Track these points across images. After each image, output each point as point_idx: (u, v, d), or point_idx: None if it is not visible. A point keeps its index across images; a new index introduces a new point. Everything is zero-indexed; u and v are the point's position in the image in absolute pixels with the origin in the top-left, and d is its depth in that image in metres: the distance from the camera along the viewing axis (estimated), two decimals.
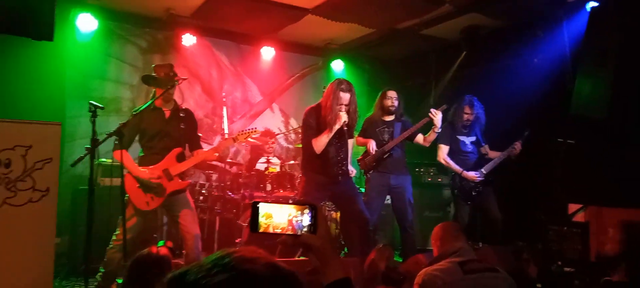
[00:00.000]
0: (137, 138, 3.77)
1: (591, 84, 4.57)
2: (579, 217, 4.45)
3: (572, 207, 4.52)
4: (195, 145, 3.87)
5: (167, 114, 3.75)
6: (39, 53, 5.02)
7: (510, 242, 4.47)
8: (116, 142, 3.40)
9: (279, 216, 1.16)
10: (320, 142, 3.90)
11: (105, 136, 3.19)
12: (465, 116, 4.83)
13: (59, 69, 5.56)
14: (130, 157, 3.60)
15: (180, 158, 3.73)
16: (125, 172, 3.48)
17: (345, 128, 3.94)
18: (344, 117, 3.86)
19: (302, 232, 1.16)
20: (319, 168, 3.99)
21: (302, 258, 3.51)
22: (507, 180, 5.01)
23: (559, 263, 4.07)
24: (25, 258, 2.74)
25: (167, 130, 3.69)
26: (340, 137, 4.01)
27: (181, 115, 3.80)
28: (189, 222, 3.63)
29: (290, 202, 1.20)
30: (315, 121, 3.99)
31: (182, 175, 3.72)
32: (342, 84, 3.91)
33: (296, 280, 0.85)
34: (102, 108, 3.20)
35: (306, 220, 1.17)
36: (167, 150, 3.66)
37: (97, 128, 3.16)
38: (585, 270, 3.89)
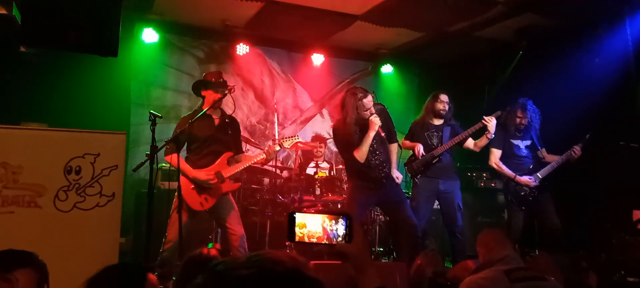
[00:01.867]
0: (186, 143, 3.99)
1: None
2: None
3: (637, 214, 4.25)
4: (238, 150, 4.06)
5: (217, 120, 3.95)
6: (105, 66, 5.41)
7: (570, 250, 4.28)
8: (168, 147, 3.61)
9: (315, 226, 1.21)
10: (362, 152, 3.91)
11: (164, 143, 3.40)
12: (518, 119, 4.67)
13: (124, 80, 5.99)
14: (183, 160, 3.82)
15: (231, 162, 3.92)
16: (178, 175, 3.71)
17: (381, 132, 3.94)
18: (377, 121, 3.86)
19: (338, 241, 1.20)
20: (362, 175, 4.02)
21: (335, 262, 3.55)
22: (567, 186, 4.80)
23: (622, 272, 3.85)
24: (92, 258, 2.91)
25: (217, 136, 3.89)
26: (376, 140, 4.01)
27: (227, 121, 4.00)
28: (235, 224, 3.83)
29: (326, 211, 1.25)
30: (342, 135, 3.99)
31: (232, 177, 3.90)
32: (359, 93, 3.89)
33: (318, 285, 0.89)
34: (160, 117, 3.42)
35: (341, 229, 1.21)
36: (215, 154, 3.85)
37: (157, 135, 3.40)
38: None
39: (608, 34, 4.86)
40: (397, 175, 4.25)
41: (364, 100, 3.87)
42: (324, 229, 1.20)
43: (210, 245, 2.23)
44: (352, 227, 1.20)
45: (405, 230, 4.06)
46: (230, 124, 4.02)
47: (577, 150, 4.48)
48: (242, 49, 6.40)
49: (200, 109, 3.93)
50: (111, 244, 3.01)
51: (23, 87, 5.22)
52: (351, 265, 1.20)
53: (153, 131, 3.36)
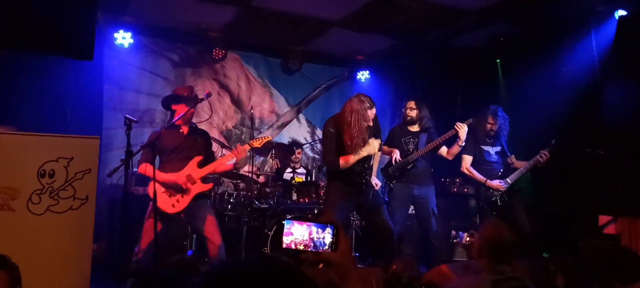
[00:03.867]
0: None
1: (621, 92, 4.49)
2: (610, 229, 4.35)
3: (603, 219, 4.42)
4: (209, 157, 4.06)
5: (185, 130, 3.96)
6: (78, 69, 5.30)
7: (539, 254, 4.41)
8: (140, 158, 3.58)
9: (302, 234, 1.24)
10: (347, 162, 3.89)
11: (139, 148, 3.37)
12: (488, 126, 4.81)
13: (96, 83, 5.86)
14: (152, 167, 3.81)
15: (201, 165, 3.93)
16: (149, 180, 3.71)
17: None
18: (376, 145, 3.87)
19: (324, 249, 1.24)
20: (344, 177, 4.04)
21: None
22: (536, 190, 4.95)
23: None
24: (66, 262, 2.95)
25: (186, 143, 3.91)
26: None
27: (197, 130, 4.05)
28: (212, 233, 3.80)
29: (313, 220, 1.28)
30: (334, 131, 3.98)
31: (204, 179, 3.92)
32: (366, 102, 3.88)
33: (312, 284, 0.91)
34: (136, 121, 3.38)
35: (328, 238, 1.25)
36: (186, 159, 3.86)
37: (132, 139, 3.36)
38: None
39: (574, 44, 5.06)
40: (376, 182, 4.30)
41: (368, 112, 3.86)
42: (311, 238, 1.24)
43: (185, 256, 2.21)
44: (338, 236, 1.24)
45: (382, 234, 4.10)
46: (200, 133, 4.06)
47: (544, 155, 4.62)
48: (218, 53, 6.36)
49: (171, 121, 3.96)
50: (85, 247, 3.01)
51: None
52: (335, 273, 1.23)
53: (128, 136, 3.32)
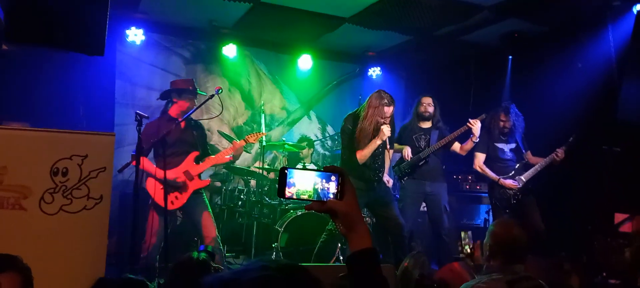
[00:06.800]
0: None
1: (639, 89, 4.39)
2: (626, 227, 4.27)
3: (619, 217, 4.34)
4: (205, 152, 4.13)
5: (183, 124, 3.97)
6: (89, 65, 5.33)
7: (553, 253, 4.34)
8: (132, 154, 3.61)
9: (306, 183, 1.18)
10: (363, 155, 3.96)
11: (151, 143, 3.37)
12: (501, 123, 4.74)
13: (108, 79, 5.89)
14: (150, 162, 3.84)
15: (198, 160, 3.98)
16: (147, 176, 3.74)
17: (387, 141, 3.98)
18: (387, 132, 3.90)
19: (329, 199, 1.18)
20: (358, 173, 4.04)
21: (337, 264, 3.56)
22: (551, 188, 4.87)
23: (604, 274, 3.92)
24: (79, 262, 2.86)
25: (183, 138, 3.95)
26: (380, 146, 4.06)
27: (193, 124, 4.08)
28: (208, 227, 3.88)
29: (317, 169, 1.22)
30: (352, 128, 4.04)
31: (201, 175, 3.97)
32: (384, 98, 3.94)
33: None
34: (147, 117, 3.39)
35: (332, 187, 1.18)
36: (182, 154, 3.91)
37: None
38: (632, 282, 3.72)
39: (591, 39, 4.96)
40: (388, 179, 4.30)
41: (386, 108, 3.93)
42: (315, 187, 1.18)
43: (202, 255, 2.18)
44: (344, 185, 1.18)
45: (393, 230, 4.12)
46: (196, 127, 4.10)
47: (560, 152, 4.55)
48: (229, 49, 6.36)
49: (167, 113, 4.00)
50: (98, 248, 2.92)
51: (3, 86, 5.11)
52: (341, 222, 1.18)
53: (139, 132, 3.33)
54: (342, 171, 1.19)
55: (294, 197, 1.18)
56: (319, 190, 1.18)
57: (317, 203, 1.18)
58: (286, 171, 1.18)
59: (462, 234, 3.00)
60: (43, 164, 2.83)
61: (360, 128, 3.94)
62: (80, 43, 2.59)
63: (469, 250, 2.92)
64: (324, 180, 1.18)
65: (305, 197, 1.18)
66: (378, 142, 3.91)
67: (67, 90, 5.41)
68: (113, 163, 2.98)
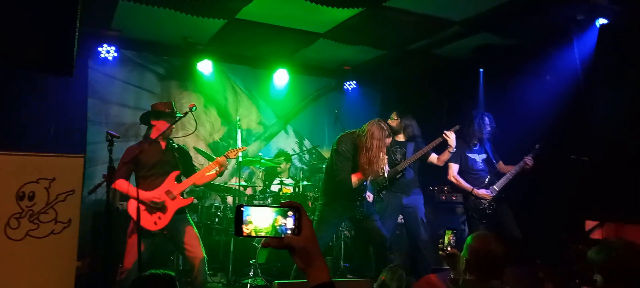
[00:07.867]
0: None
1: (604, 99, 4.54)
2: (596, 234, 4.38)
3: (589, 224, 4.45)
4: (188, 173, 4.02)
5: (163, 145, 3.93)
6: (61, 84, 5.23)
7: (528, 260, 4.41)
8: (115, 174, 3.53)
9: (263, 220, 1.16)
10: (360, 180, 4.01)
11: (120, 164, 3.31)
12: (473, 134, 4.83)
13: (81, 97, 5.78)
14: (130, 184, 3.76)
15: (179, 180, 3.92)
16: (128, 199, 3.67)
17: None
18: (385, 171, 4.06)
19: (286, 235, 1.17)
20: (344, 193, 4.04)
21: (299, 281, 3.53)
22: (524, 197, 4.96)
23: (577, 281, 3.99)
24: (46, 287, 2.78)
25: (164, 159, 3.88)
26: None
27: (175, 146, 4.02)
28: (195, 247, 3.77)
29: (274, 206, 1.21)
30: (348, 150, 4.00)
31: (183, 194, 3.89)
32: (386, 130, 4.00)
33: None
34: (118, 137, 3.33)
35: (290, 222, 1.17)
36: (163, 174, 3.84)
37: (115, 154, 3.31)
38: None
39: (557, 52, 5.12)
40: (368, 194, 4.34)
41: (387, 140, 4.02)
42: (272, 224, 1.16)
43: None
44: (301, 220, 1.17)
45: (376, 241, 4.15)
46: (178, 149, 4.04)
47: (528, 160, 4.67)
48: (204, 65, 6.33)
49: (148, 137, 3.92)
50: (67, 273, 2.85)
51: None
52: (299, 257, 1.17)
53: (110, 151, 3.27)
54: (299, 206, 1.18)
55: (253, 234, 1.16)
56: (277, 227, 1.17)
57: (275, 239, 1.17)
58: (242, 209, 1.16)
59: (448, 233, 2.99)
60: (8, 189, 2.75)
61: (367, 159, 3.90)
62: (48, 63, 2.51)
63: (449, 250, 2.93)
64: (281, 216, 1.17)
65: (263, 234, 1.16)
66: (373, 177, 4.07)
67: (38, 110, 5.27)
68: (82, 185, 2.90)
